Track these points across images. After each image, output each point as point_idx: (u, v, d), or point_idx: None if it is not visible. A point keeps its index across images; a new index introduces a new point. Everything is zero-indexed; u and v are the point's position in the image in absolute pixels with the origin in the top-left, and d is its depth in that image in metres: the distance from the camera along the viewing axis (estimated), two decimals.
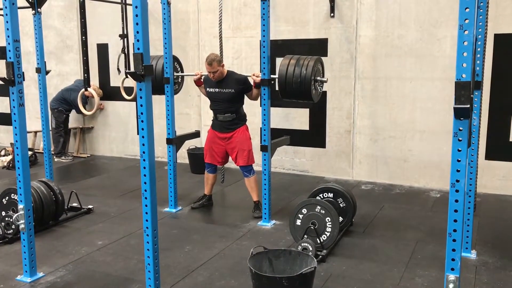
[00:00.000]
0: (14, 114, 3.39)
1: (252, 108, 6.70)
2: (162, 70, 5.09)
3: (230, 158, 5.14)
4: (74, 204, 5.20)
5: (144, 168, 2.84)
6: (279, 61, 6.45)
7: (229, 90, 4.83)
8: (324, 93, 6.35)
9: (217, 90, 4.88)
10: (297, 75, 4.47)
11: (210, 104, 5.03)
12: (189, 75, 5.69)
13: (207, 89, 4.98)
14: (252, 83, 4.84)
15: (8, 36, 3.26)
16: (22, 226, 3.52)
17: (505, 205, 5.33)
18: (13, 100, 3.37)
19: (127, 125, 7.86)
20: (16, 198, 4.35)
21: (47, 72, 5.45)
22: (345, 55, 6.18)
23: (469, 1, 1.98)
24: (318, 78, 4.62)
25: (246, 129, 5.01)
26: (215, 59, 4.69)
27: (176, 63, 5.35)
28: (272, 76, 4.67)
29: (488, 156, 5.64)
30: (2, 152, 7.67)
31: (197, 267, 3.80)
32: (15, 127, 3.41)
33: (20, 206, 3.50)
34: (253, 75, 4.78)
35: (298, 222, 4.04)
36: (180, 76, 5.45)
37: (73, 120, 8.34)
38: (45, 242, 4.33)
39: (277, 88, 4.66)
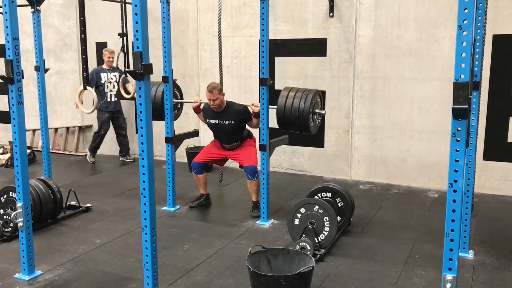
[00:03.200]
0: (13, 112, 3.39)
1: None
2: (162, 97, 5.16)
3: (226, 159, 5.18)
4: (73, 203, 5.20)
5: (143, 166, 2.84)
6: (278, 60, 6.51)
7: (230, 122, 4.90)
8: (323, 92, 6.36)
9: (217, 121, 4.95)
10: (295, 108, 4.54)
11: (213, 134, 5.13)
12: (188, 102, 5.69)
13: (208, 120, 5.05)
14: (251, 111, 4.88)
15: (7, 34, 3.26)
16: (20, 224, 3.52)
17: (503, 205, 5.35)
18: (12, 98, 3.37)
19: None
20: (14, 196, 4.35)
21: (46, 71, 5.44)
22: (344, 55, 6.18)
23: (468, 2, 1.98)
24: (317, 110, 4.67)
25: (253, 140, 5.13)
26: (216, 87, 4.77)
27: (176, 89, 5.42)
28: (271, 106, 4.69)
29: (486, 157, 5.65)
30: (1, 150, 7.67)
31: (195, 266, 3.81)
32: (14, 125, 3.41)
33: (19, 204, 3.50)
34: (252, 105, 4.83)
35: (296, 221, 4.05)
36: (179, 103, 5.52)
37: (71, 119, 8.34)
38: (44, 240, 4.34)
39: (275, 118, 4.73)
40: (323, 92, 6.34)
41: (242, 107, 4.96)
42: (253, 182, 4.94)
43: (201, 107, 5.09)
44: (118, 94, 7.19)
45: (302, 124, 4.58)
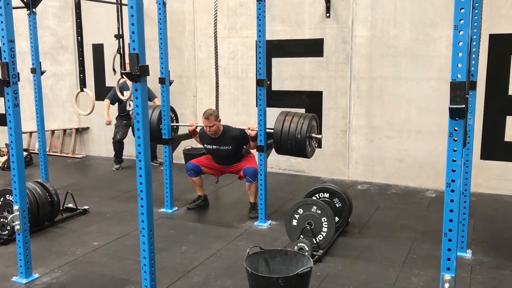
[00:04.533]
0: (9, 115, 3.38)
1: (248, 108, 6.71)
2: (158, 120, 5.19)
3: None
4: (70, 205, 5.19)
5: (140, 168, 2.83)
6: (275, 61, 6.51)
7: (227, 147, 4.93)
8: (320, 93, 6.36)
9: (214, 147, 4.98)
10: (292, 132, 4.54)
11: (212, 158, 5.14)
12: (184, 125, 5.62)
13: (205, 145, 5.08)
14: (248, 134, 4.89)
15: (3, 37, 3.25)
16: (17, 227, 3.50)
17: (500, 204, 5.35)
18: (8, 100, 3.36)
19: None
20: (11, 199, 4.34)
21: (42, 73, 5.43)
22: (340, 55, 6.19)
23: (464, 1, 1.98)
24: (313, 135, 4.69)
25: (252, 156, 5.15)
26: (213, 114, 4.81)
27: (172, 113, 5.41)
28: (268, 130, 4.68)
29: (484, 156, 5.66)
30: None
31: (193, 267, 3.80)
32: (10, 128, 3.40)
33: (15, 207, 3.49)
34: (248, 128, 4.85)
35: (294, 222, 4.04)
36: (175, 126, 5.48)
37: (68, 121, 8.32)
38: (41, 243, 4.32)
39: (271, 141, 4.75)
40: (320, 93, 6.35)
41: (239, 132, 4.97)
42: (252, 185, 4.93)
43: (198, 131, 5.12)
44: None
45: (299, 149, 4.61)
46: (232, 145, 4.92)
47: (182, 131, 5.62)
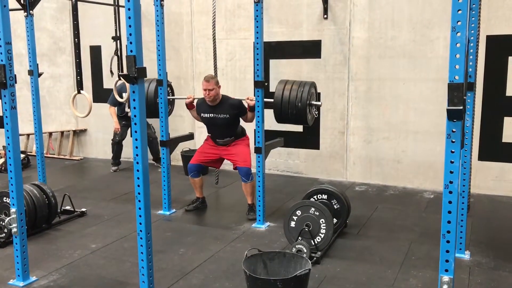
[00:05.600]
0: (6, 117, 3.37)
1: None
2: (154, 93, 5.14)
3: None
4: (67, 207, 5.17)
5: (138, 170, 2.83)
6: (272, 62, 6.51)
7: (224, 116, 4.88)
8: (318, 94, 6.35)
9: (211, 115, 4.92)
10: (292, 100, 4.53)
11: (207, 128, 5.09)
12: (181, 98, 5.65)
13: (202, 114, 5.01)
14: (246, 105, 4.87)
15: (0, 39, 3.24)
16: (14, 229, 3.49)
17: (498, 205, 5.36)
18: (5, 103, 3.34)
19: None
20: (8, 201, 4.32)
21: (39, 75, 5.42)
22: (338, 57, 6.19)
23: (461, 3, 1.99)
24: (313, 102, 4.67)
25: (247, 139, 5.10)
26: (214, 77, 4.81)
27: (168, 88, 5.39)
28: (266, 100, 4.68)
29: (481, 157, 5.67)
30: None
31: (191, 269, 3.79)
32: (7, 130, 3.39)
33: (13, 209, 3.47)
34: (247, 98, 4.82)
35: (292, 224, 4.04)
36: (172, 99, 5.49)
37: (66, 123, 8.31)
38: (38, 246, 4.30)
39: (271, 109, 4.72)
40: (318, 94, 6.34)
41: (237, 101, 4.96)
42: (247, 184, 4.93)
43: (194, 103, 5.08)
44: None
45: (299, 116, 4.59)
46: (230, 113, 4.87)
47: (177, 109, 5.62)
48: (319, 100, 4.87)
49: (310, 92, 4.61)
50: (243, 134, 5.12)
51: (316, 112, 4.84)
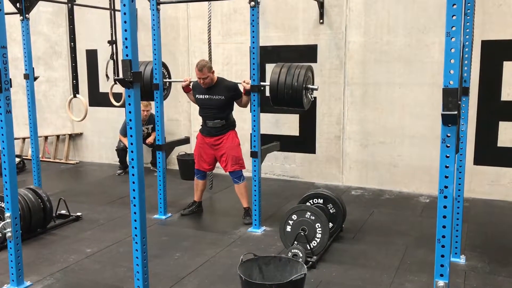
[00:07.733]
0: (1, 121, 3.36)
1: (242, 114, 6.69)
2: (151, 76, 5.08)
3: (218, 164, 5.13)
4: (63, 212, 5.15)
5: (133, 175, 2.82)
6: (268, 67, 6.50)
7: (219, 97, 4.84)
8: (314, 99, 6.36)
9: (207, 96, 4.88)
10: (288, 83, 4.49)
11: (199, 110, 5.02)
12: (177, 81, 5.67)
13: (197, 95, 4.97)
14: (242, 90, 4.84)
15: None
16: (9, 234, 3.47)
17: (494, 209, 5.37)
18: (0, 107, 3.33)
19: (116, 132, 7.80)
20: (3, 206, 4.29)
21: (35, 78, 5.40)
22: (334, 61, 6.20)
23: (456, 8, 2.00)
24: (309, 86, 4.64)
25: (235, 135, 5.01)
26: (206, 65, 4.72)
27: (164, 69, 5.34)
28: (262, 83, 4.67)
29: (477, 161, 5.68)
30: None
31: (186, 274, 3.78)
32: (2, 134, 3.37)
33: (7, 214, 3.46)
34: (243, 82, 4.77)
35: (288, 228, 4.03)
36: (168, 82, 5.43)
37: (62, 127, 8.29)
38: (33, 250, 4.28)
39: (267, 94, 4.65)
40: (314, 99, 6.35)
41: (233, 84, 4.94)
42: (240, 185, 4.93)
43: (191, 86, 5.05)
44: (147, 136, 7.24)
45: (295, 100, 4.54)
46: (225, 95, 4.83)
47: (173, 92, 5.59)
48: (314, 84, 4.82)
49: (307, 75, 4.58)
50: (233, 126, 5.04)
51: (312, 96, 4.79)
